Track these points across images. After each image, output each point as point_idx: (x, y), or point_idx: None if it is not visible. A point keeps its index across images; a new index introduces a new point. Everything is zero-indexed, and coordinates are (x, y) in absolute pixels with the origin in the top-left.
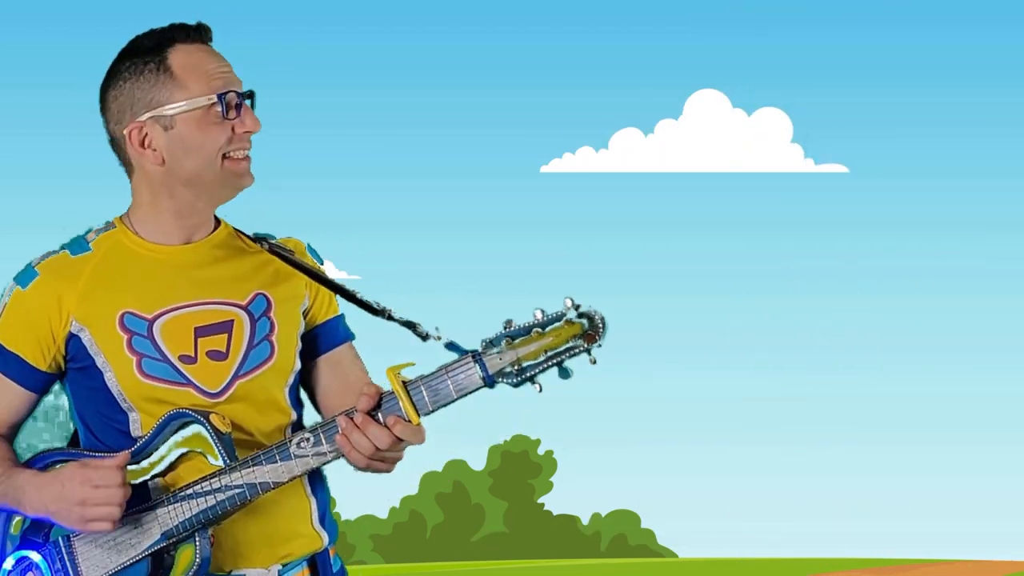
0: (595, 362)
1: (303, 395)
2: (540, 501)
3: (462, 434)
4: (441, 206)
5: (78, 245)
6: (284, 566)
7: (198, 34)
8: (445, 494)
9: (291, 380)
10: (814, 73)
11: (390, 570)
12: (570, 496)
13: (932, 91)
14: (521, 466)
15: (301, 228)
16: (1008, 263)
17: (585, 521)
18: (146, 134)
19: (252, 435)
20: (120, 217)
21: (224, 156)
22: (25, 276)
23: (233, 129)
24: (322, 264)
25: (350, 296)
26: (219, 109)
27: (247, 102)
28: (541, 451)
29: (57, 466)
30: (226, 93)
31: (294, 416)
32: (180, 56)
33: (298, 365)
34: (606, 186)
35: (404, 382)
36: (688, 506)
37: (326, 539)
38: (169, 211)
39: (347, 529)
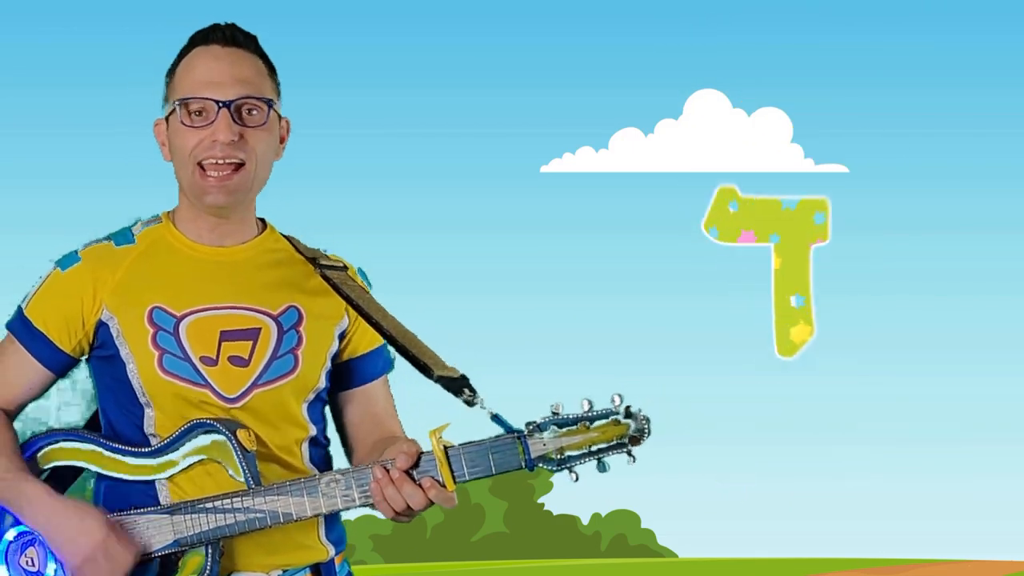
0: (635, 461)
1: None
2: (540, 501)
3: (462, 434)
4: (440, 206)
5: (123, 236)
6: (284, 572)
7: (215, 36)
8: None
9: (312, 396)
10: (814, 73)
11: (390, 570)
12: (570, 496)
13: (932, 91)
14: None
15: (299, 228)
16: (1008, 263)
17: (585, 521)
18: (161, 130)
19: (266, 445)
20: (168, 212)
21: (199, 165)
22: (67, 260)
23: (207, 136)
24: (371, 288)
25: (394, 342)
26: (179, 112)
27: (226, 109)
28: None
29: (68, 481)
30: (189, 99)
31: (312, 431)
32: (191, 58)
33: (323, 383)
34: (606, 186)
35: (445, 447)
36: (688, 506)
37: (331, 551)
38: (194, 212)
39: (347, 529)
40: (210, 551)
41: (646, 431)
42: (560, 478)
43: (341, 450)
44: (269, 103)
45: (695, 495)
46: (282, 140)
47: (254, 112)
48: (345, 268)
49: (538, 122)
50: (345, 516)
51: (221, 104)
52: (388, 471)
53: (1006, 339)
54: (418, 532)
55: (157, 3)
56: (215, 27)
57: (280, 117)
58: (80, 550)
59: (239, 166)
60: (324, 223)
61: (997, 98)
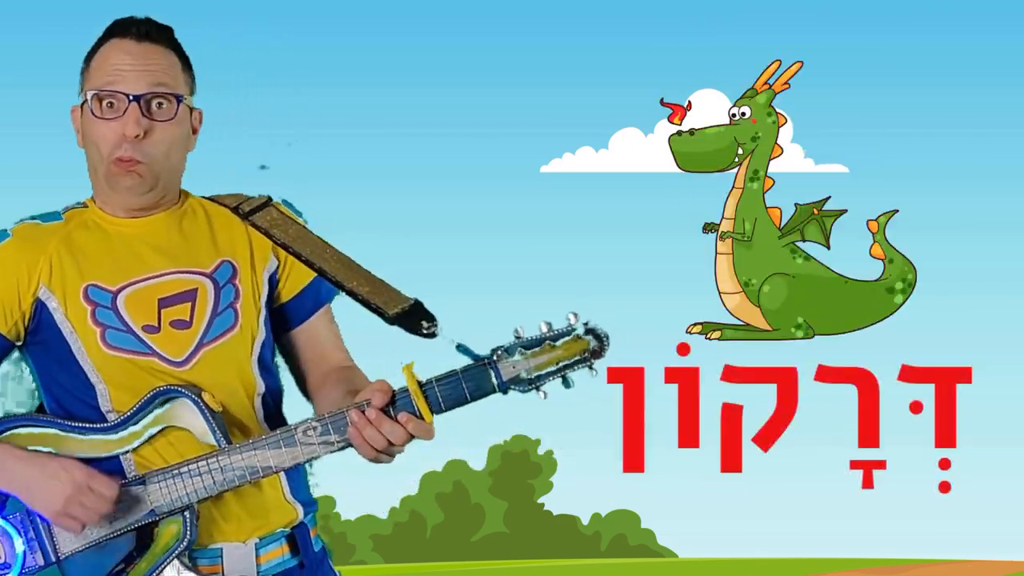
0: (596, 374)
1: (281, 363)
2: (540, 501)
3: (462, 434)
4: (440, 206)
5: (50, 216)
6: (261, 539)
7: (130, 30)
8: (445, 494)
9: (258, 349)
10: (814, 73)
11: (390, 570)
12: (570, 496)
13: (932, 91)
14: (521, 466)
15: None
16: (1008, 263)
17: (585, 521)
18: (76, 117)
19: (223, 407)
20: (89, 198)
21: (111, 162)
22: None
23: (117, 129)
24: (301, 217)
25: (339, 286)
26: (91, 104)
27: (136, 103)
28: (541, 451)
29: (35, 445)
30: (100, 92)
31: (262, 387)
32: (105, 49)
33: (263, 333)
34: (606, 186)
35: (419, 382)
36: (688, 506)
37: (300, 511)
38: (108, 191)
39: (347, 529)
40: (187, 516)
41: (605, 343)
42: (561, 476)
43: (292, 400)
44: (179, 98)
45: (695, 495)
46: (195, 131)
47: (163, 106)
48: (269, 202)
49: (538, 122)
50: (345, 516)
51: (131, 98)
52: (364, 412)
53: (1006, 339)
54: (418, 532)
55: (157, 4)
56: (131, 20)
57: (191, 109)
58: (61, 490)
59: (143, 166)
60: (323, 223)
61: (997, 98)
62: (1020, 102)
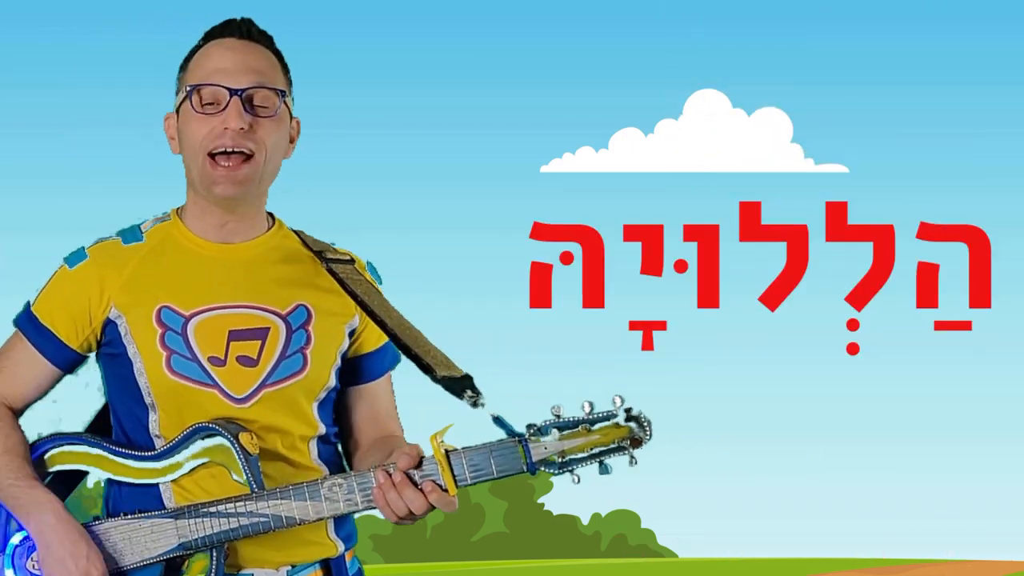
0: (636, 463)
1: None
2: (540, 501)
3: (463, 434)
4: (440, 206)
5: (132, 234)
6: (293, 567)
7: (227, 29)
8: None
9: (323, 395)
10: (814, 73)
11: (390, 570)
12: (570, 496)
13: (932, 91)
14: None
15: (300, 228)
16: (1008, 263)
17: (585, 521)
18: (171, 124)
19: (275, 446)
20: (177, 208)
21: (210, 155)
22: (75, 257)
23: (218, 124)
24: (380, 284)
25: (397, 340)
26: (191, 100)
27: (237, 97)
28: None
29: (94, 523)
30: (200, 86)
31: (322, 430)
32: (206, 49)
33: (332, 382)
34: (606, 186)
35: (447, 451)
36: (688, 506)
37: (341, 547)
38: (202, 206)
39: None
40: (214, 555)
41: (647, 433)
42: (561, 479)
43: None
44: (281, 93)
45: (695, 495)
46: (292, 140)
47: (266, 103)
48: (352, 261)
49: (538, 122)
50: None
51: (233, 92)
52: (390, 475)
53: (1006, 339)
54: (418, 532)
55: (158, 4)
56: (230, 21)
57: (291, 114)
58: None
59: (248, 157)
60: (323, 222)
61: (997, 98)
62: (1020, 102)
